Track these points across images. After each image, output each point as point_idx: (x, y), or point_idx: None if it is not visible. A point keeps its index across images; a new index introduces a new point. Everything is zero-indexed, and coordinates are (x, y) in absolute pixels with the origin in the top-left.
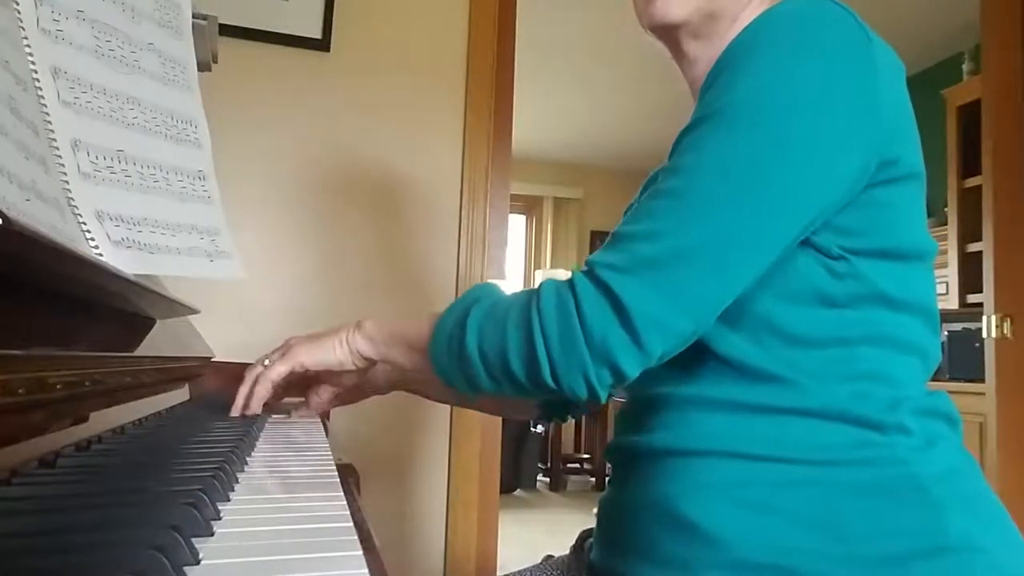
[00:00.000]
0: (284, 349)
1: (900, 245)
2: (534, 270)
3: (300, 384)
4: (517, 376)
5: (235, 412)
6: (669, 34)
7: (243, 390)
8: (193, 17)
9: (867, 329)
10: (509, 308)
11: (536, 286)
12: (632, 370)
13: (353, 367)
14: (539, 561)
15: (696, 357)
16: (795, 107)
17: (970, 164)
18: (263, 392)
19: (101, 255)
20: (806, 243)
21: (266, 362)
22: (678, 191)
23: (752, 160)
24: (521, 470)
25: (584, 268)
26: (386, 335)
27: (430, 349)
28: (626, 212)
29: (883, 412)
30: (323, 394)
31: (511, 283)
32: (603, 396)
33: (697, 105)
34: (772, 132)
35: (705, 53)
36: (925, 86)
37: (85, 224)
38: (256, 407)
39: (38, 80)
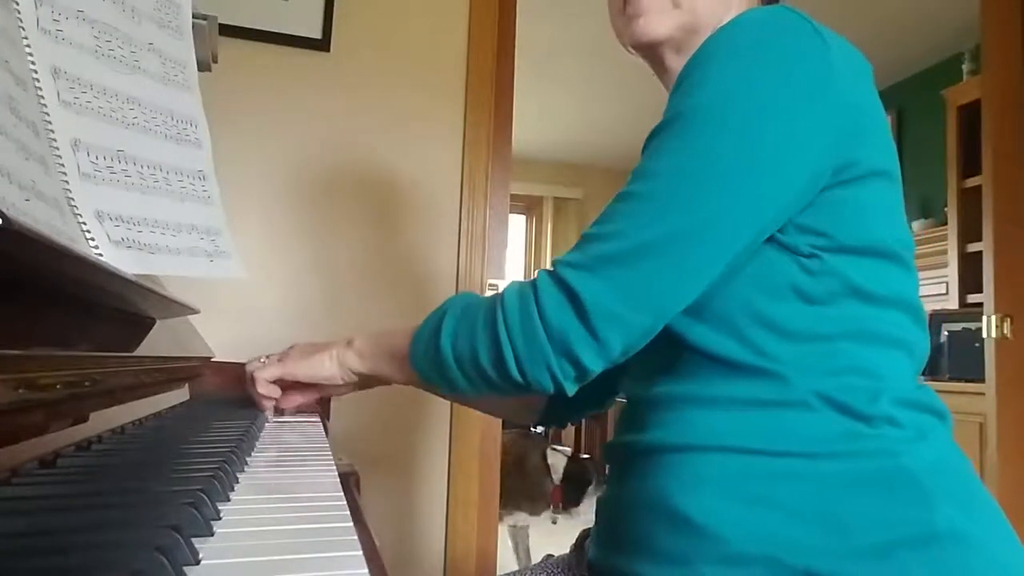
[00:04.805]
0: (281, 357)
1: (871, 242)
2: (534, 270)
3: (300, 388)
4: (488, 373)
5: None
6: (652, 51)
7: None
8: (193, 17)
9: (846, 325)
10: (478, 310)
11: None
12: (592, 363)
13: (342, 381)
14: (539, 561)
15: (685, 356)
16: (747, 111)
17: (970, 164)
18: (262, 392)
19: (101, 255)
20: (776, 242)
21: (263, 360)
22: (637, 194)
23: (705, 161)
24: None
25: (549, 268)
26: (373, 348)
27: (411, 356)
28: None
29: (865, 403)
30: (294, 400)
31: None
32: (569, 389)
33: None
34: (724, 135)
35: None
36: (925, 86)
37: (85, 224)
38: (265, 410)
39: (38, 80)
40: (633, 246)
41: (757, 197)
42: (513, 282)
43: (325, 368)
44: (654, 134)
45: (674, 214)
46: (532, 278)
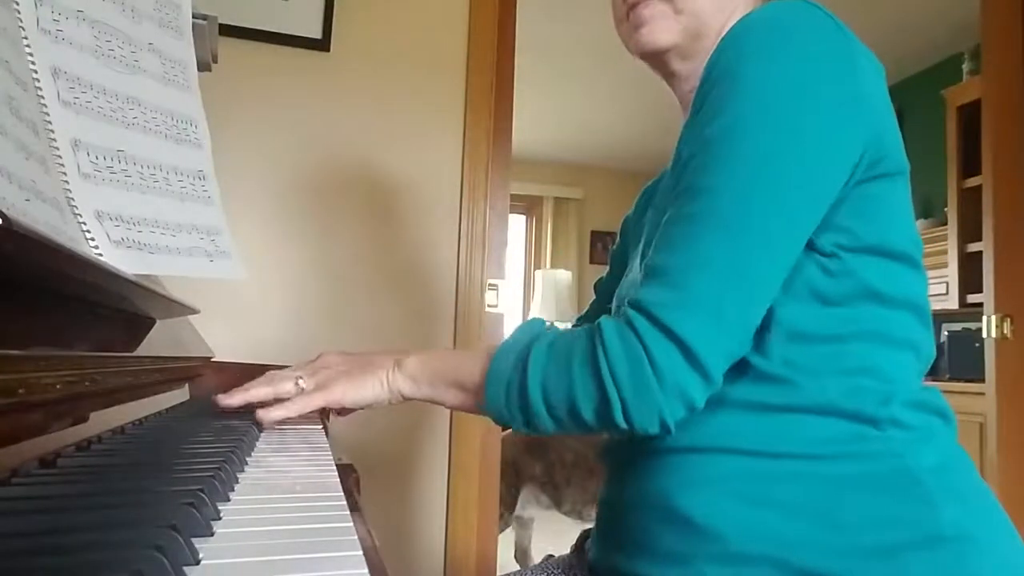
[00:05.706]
0: (320, 380)
1: (889, 241)
2: (534, 270)
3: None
4: (586, 419)
5: (226, 401)
6: (659, 58)
7: (261, 392)
8: (193, 17)
9: (859, 326)
10: (571, 351)
11: (596, 324)
12: (702, 400)
13: (387, 404)
14: (539, 561)
15: None
16: (788, 117)
17: (970, 164)
18: (284, 415)
19: (101, 255)
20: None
21: (300, 382)
22: (703, 215)
23: (765, 172)
24: None
25: (635, 306)
26: (431, 375)
27: (486, 393)
28: (623, 225)
29: (875, 406)
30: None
31: (511, 283)
32: (675, 429)
33: (692, 121)
34: (772, 146)
35: (695, 70)
36: (925, 86)
37: (85, 224)
38: (268, 423)
39: (38, 80)
40: (721, 275)
41: (811, 201)
42: (606, 320)
43: (373, 392)
44: (697, 152)
45: (746, 233)
46: (625, 318)
